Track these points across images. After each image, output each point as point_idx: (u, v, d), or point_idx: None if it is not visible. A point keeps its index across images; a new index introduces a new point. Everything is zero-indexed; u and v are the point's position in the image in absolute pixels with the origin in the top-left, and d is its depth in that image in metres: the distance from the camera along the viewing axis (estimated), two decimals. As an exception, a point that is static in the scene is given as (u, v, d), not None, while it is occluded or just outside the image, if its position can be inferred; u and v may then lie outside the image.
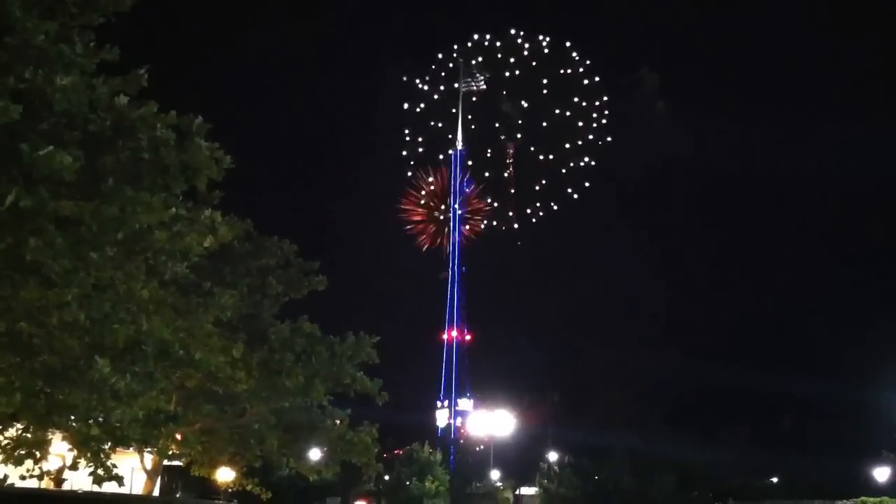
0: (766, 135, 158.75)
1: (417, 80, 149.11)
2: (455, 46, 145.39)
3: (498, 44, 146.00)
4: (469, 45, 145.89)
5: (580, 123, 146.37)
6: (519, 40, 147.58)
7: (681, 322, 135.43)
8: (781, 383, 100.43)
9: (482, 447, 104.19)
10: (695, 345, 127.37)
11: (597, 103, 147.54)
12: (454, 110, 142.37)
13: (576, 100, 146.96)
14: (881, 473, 65.93)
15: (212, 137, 16.53)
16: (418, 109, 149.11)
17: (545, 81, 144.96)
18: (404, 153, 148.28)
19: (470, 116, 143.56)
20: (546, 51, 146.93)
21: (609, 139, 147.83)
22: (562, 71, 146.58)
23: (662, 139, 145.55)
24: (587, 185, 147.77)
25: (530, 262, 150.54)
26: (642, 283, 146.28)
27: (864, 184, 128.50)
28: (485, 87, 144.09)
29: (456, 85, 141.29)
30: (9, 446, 20.19)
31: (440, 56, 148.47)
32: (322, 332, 30.81)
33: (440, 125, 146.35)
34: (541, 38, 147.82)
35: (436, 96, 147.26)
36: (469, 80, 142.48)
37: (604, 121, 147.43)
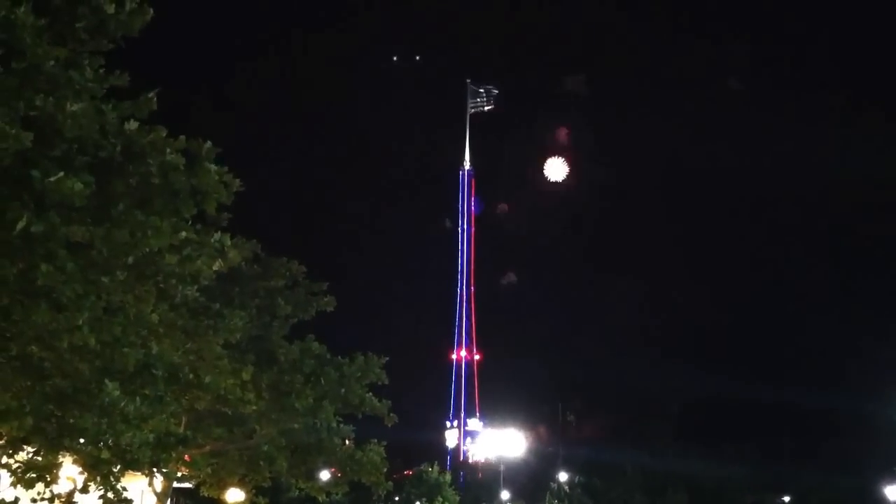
0: (767, 136, 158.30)
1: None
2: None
3: None
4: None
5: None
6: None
7: (689, 337, 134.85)
8: (793, 398, 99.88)
9: (482, 469, 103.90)
10: (705, 360, 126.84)
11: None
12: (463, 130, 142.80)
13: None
14: (893, 492, 65.31)
15: (220, 158, 16.72)
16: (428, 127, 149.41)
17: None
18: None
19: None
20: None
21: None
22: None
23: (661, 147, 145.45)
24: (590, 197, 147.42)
25: (537, 279, 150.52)
26: (650, 299, 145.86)
27: (872, 189, 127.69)
28: (492, 107, 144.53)
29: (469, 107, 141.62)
30: (19, 469, 20.19)
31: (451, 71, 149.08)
32: (330, 353, 30.82)
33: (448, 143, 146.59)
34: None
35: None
36: (476, 100, 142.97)
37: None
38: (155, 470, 20.86)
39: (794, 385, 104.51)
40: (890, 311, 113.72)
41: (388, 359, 31.70)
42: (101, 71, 15.22)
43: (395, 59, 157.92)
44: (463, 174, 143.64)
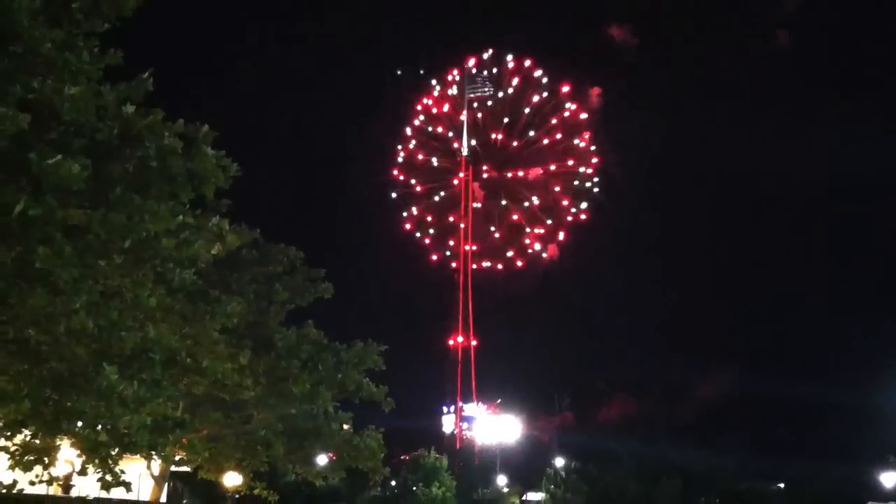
0: (762, 134, 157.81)
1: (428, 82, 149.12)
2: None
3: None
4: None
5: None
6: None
7: (685, 329, 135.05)
8: (786, 388, 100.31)
9: (479, 454, 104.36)
10: (699, 351, 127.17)
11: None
12: (461, 117, 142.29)
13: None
14: (888, 479, 65.59)
15: (218, 142, 16.71)
16: (422, 116, 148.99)
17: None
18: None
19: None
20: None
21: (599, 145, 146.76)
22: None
23: (654, 140, 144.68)
24: (587, 190, 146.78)
25: (536, 269, 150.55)
26: (646, 290, 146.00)
27: (865, 184, 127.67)
28: (491, 92, 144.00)
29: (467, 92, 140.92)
30: (17, 452, 20.26)
31: (442, 62, 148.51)
32: (328, 339, 30.84)
33: (445, 132, 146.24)
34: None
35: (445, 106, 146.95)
36: (475, 86, 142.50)
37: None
38: (153, 453, 20.92)
39: (790, 376, 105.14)
40: (879, 305, 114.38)
41: (386, 346, 31.72)
42: (96, 51, 15.18)
43: (395, 47, 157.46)
44: (461, 161, 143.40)
